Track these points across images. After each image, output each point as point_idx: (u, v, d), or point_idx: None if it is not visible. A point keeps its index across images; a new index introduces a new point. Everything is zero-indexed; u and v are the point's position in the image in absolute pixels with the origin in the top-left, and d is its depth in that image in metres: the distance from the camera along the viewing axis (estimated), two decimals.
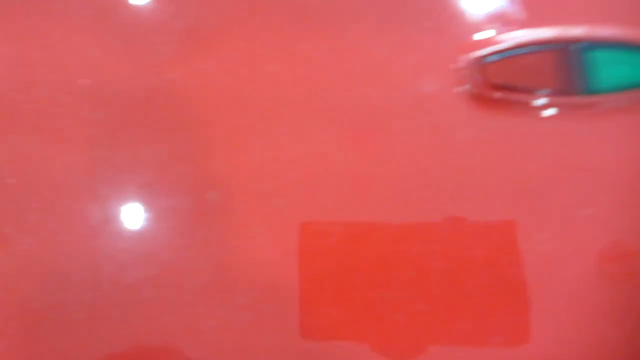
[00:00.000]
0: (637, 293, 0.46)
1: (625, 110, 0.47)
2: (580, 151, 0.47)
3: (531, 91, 0.48)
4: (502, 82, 0.48)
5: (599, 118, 0.47)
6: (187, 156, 0.47)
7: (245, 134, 0.48)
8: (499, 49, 0.48)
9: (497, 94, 0.48)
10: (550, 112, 0.47)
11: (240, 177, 0.47)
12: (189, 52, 0.49)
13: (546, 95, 0.47)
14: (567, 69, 0.47)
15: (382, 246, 0.46)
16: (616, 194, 0.47)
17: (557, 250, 0.46)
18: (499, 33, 0.49)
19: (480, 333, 0.45)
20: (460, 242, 0.46)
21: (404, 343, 0.45)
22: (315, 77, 0.49)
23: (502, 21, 0.49)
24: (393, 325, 0.45)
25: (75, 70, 0.48)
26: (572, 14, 0.49)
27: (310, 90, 0.49)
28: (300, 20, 0.50)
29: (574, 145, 0.47)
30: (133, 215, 0.47)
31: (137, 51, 0.49)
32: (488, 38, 0.49)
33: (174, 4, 0.50)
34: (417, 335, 0.45)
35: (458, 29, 0.49)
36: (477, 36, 0.49)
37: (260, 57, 0.49)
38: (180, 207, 0.47)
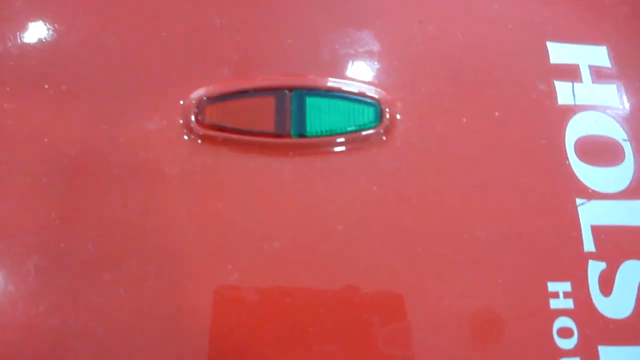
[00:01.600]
0: None
1: (337, 153, 0.50)
2: (291, 190, 0.49)
3: (251, 131, 0.49)
4: (225, 122, 0.50)
5: (313, 159, 0.49)
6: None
7: None
8: (224, 90, 0.50)
9: (218, 134, 0.49)
10: (267, 151, 0.49)
11: None
12: None
13: (264, 136, 0.49)
14: (284, 112, 0.50)
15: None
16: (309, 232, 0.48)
17: None
18: (225, 75, 0.51)
19: None
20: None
21: None
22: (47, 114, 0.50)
23: (229, 64, 0.51)
24: None
25: None
26: (291, 63, 0.52)
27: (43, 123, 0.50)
28: None
29: (289, 185, 0.49)
30: None
31: None
32: (216, 80, 0.51)
33: None
34: None
35: (187, 69, 0.51)
36: (204, 78, 0.51)
37: None
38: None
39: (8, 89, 0.51)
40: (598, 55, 0.56)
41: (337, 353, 0.46)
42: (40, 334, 0.45)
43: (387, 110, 0.51)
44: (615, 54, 0.57)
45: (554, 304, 0.48)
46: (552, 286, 0.48)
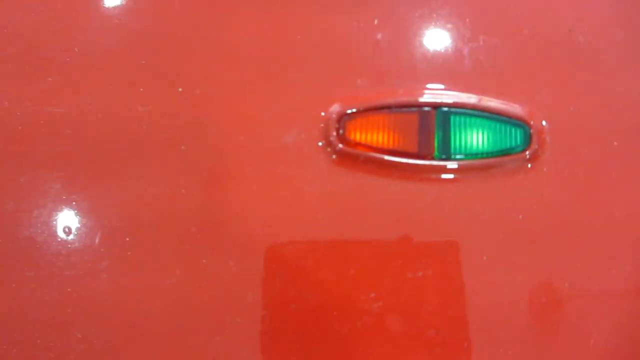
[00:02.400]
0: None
1: (481, 178, 0.48)
2: (431, 218, 0.47)
3: (394, 151, 0.48)
4: (364, 140, 0.48)
5: (454, 183, 0.48)
6: None
7: None
8: (365, 105, 0.48)
9: (357, 151, 0.48)
10: (408, 174, 0.48)
11: None
12: None
13: (407, 156, 0.47)
14: (429, 132, 0.47)
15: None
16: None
17: None
18: (366, 90, 0.49)
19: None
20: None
21: None
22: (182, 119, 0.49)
23: (369, 75, 0.49)
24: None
25: None
26: (432, 74, 0.49)
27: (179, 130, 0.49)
28: None
29: (431, 212, 0.47)
30: None
31: None
32: (355, 95, 0.49)
33: None
34: None
35: (327, 83, 0.49)
36: (345, 92, 0.49)
37: None
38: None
39: (141, 89, 0.50)
40: None
41: None
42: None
43: (536, 132, 0.48)
44: None
45: None
46: None
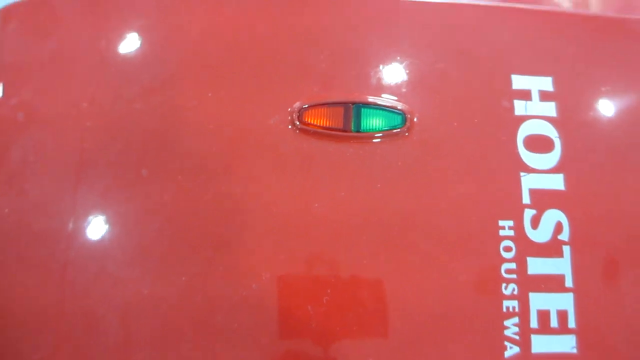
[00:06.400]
0: None
1: (378, 143, 0.85)
2: (351, 172, 0.84)
3: (329, 127, 0.85)
4: (313, 122, 0.85)
5: (364, 145, 0.84)
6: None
7: None
8: (314, 102, 0.85)
9: (309, 129, 0.85)
10: (337, 140, 0.84)
11: None
12: None
13: (336, 131, 0.84)
14: (349, 117, 0.85)
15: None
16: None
17: None
18: (315, 93, 0.86)
19: None
20: None
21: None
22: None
23: (318, 84, 0.87)
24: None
25: None
26: (353, 82, 0.87)
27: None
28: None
29: (350, 162, 0.84)
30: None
31: None
32: (309, 96, 0.86)
33: None
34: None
35: (293, 88, 0.86)
36: (303, 91, 0.86)
37: None
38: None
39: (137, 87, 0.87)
40: (545, 83, 0.89)
41: None
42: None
43: (409, 117, 0.85)
44: (557, 82, 0.89)
45: (501, 232, 0.82)
46: (501, 222, 0.83)
